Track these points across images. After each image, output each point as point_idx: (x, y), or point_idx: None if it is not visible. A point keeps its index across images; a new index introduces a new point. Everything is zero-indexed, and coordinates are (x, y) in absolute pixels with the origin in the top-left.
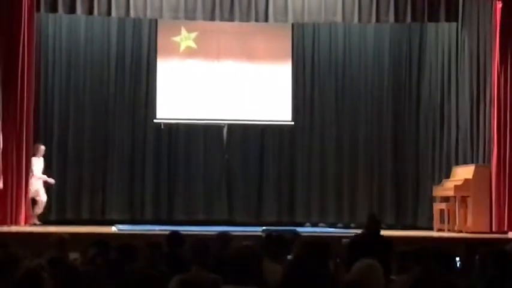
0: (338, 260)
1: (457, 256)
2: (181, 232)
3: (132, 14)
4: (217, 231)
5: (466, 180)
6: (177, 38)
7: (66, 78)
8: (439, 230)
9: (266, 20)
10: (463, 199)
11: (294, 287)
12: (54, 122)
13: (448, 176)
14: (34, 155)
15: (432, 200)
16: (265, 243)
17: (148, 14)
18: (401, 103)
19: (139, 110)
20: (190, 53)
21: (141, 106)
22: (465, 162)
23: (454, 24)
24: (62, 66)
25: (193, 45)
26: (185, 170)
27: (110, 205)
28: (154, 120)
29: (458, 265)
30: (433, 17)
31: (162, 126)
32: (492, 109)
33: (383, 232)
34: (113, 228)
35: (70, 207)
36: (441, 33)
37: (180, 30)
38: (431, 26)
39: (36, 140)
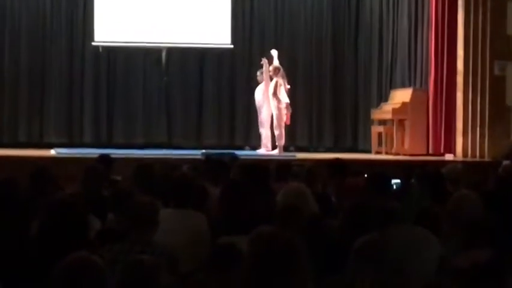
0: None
1: (395, 179)
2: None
3: None
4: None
5: (404, 104)
6: None
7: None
8: (377, 152)
9: None
10: (401, 122)
11: (230, 209)
12: None
13: (386, 99)
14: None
15: (371, 123)
16: (204, 166)
17: None
18: (341, 26)
19: (76, 33)
20: None
21: (79, 29)
22: (403, 86)
23: None
24: None
25: None
26: (124, 93)
27: (48, 128)
28: (93, 43)
29: (395, 187)
30: None
31: (101, 50)
32: (430, 32)
33: (321, 155)
34: (52, 152)
35: (7, 131)
36: None
37: None
38: None
39: None
